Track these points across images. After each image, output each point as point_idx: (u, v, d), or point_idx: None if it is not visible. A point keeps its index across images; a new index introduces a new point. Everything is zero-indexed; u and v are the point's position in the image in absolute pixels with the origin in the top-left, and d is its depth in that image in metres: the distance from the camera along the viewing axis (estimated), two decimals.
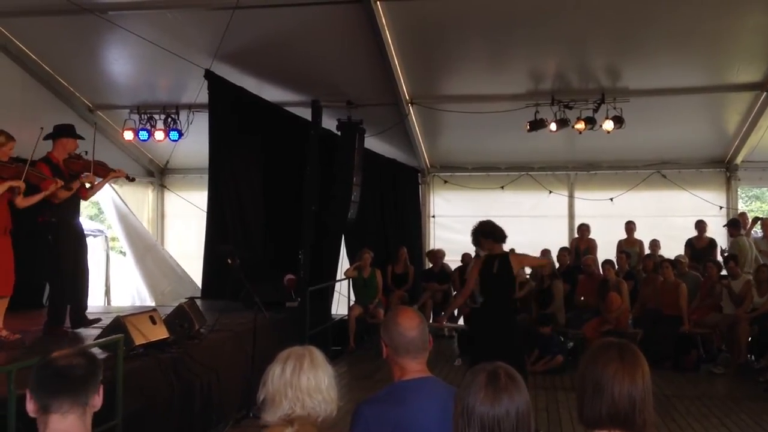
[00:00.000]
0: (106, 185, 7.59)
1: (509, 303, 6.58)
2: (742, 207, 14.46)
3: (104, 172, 6.84)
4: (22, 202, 5.93)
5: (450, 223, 13.45)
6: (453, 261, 11.83)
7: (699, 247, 10.96)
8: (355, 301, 10.62)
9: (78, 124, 9.98)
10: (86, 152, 6.69)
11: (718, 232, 11.45)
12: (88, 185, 6.77)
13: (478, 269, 6.52)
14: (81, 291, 6.76)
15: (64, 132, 6.53)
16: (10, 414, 3.75)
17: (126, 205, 12.05)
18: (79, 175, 6.55)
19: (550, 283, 9.93)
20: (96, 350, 4.70)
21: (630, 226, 11.34)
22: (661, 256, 10.38)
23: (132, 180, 7.52)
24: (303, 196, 9.68)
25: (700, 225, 10.98)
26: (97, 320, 6.62)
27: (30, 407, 2.05)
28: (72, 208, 6.59)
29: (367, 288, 10.56)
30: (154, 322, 5.81)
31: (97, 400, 2.11)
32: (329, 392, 2.42)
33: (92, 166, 6.62)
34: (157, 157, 13.47)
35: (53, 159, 6.41)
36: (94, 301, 10.21)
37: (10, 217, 5.85)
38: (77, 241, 6.67)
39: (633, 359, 1.99)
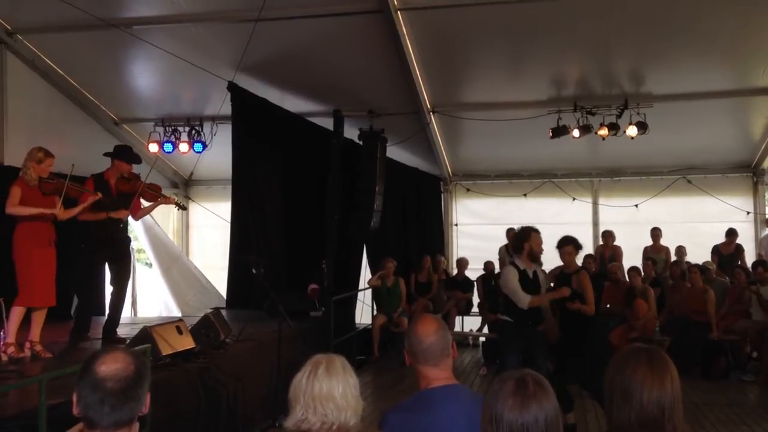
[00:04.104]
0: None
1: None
2: None
3: (153, 197, 6.98)
4: (63, 214, 6.02)
5: (473, 231, 13.41)
6: (477, 269, 11.78)
7: (726, 253, 10.82)
8: (379, 310, 10.60)
9: (103, 137, 10.15)
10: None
11: (745, 238, 11.29)
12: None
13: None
14: (115, 306, 6.84)
15: (117, 154, 6.74)
16: (41, 424, 3.78)
17: (152, 216, 12.16)
18: (129, 196, 6.70)
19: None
20: None
21: (656, 233, 11.23)
22: (688, 263, 10.26)
23: (184, 209, 7.57)
24: (326, 206, 9.73)
25: (732, 233, 10.85)
26: (124, 341, 6.65)
27: (75, 411, 2.03)
28: (111, 225, 6.63)
29: (391, 297, 10.53)
30: (180, 332, 5.86)
31: (144, 410, 2.08)
32: (343, 400, 2.36)
33: (141, 189, 6.76)
34: (182, 169, 13.60)
35: (105, 176, 6.61)
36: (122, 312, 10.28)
37: (54, 229, 5.96)
38: (113, 258, 6.74)
39: (662, 365, 1.97)
